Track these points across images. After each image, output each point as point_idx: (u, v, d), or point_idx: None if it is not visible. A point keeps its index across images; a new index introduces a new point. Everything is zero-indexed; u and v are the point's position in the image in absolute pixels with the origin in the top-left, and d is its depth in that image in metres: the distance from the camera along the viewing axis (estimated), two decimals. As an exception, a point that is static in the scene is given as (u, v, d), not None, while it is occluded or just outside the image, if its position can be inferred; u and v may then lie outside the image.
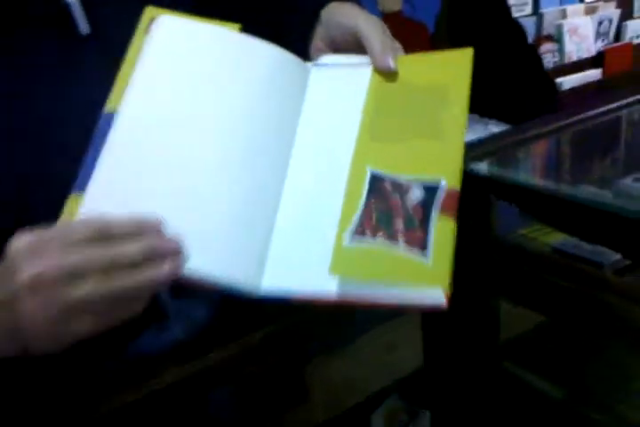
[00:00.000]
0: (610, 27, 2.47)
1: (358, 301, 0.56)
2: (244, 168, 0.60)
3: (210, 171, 0.59)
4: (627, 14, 2.49)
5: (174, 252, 0.50)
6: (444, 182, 0.59)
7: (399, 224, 0.58)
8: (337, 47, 0.67)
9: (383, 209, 0.59)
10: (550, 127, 0.83)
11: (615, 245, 0.84)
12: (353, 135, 0.64)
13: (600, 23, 2.44)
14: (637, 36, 2.50)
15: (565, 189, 0.94)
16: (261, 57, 0.64)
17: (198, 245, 0.53)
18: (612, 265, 0.85)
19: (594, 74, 2.38)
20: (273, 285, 0.57)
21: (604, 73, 2.37)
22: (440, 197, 0.58)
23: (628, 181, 1.13)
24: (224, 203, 0.58)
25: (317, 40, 0.69)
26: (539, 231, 0.98)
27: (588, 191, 1.03)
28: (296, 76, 0.67)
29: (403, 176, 0.60)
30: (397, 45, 0.65)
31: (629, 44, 2.40)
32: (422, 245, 0.56)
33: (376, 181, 0.61)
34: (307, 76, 0.67)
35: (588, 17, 2.40)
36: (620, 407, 0.69)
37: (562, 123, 0.83)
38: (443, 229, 0.57)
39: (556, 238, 0.96)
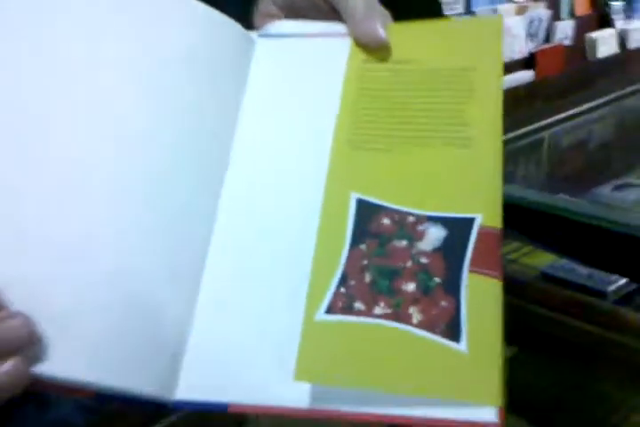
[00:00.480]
0: (539, 27, 2.37)
1: (344, 414, 0.34)
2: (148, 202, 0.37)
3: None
4: (556, 15, 2.41)
5: (23, 343, 0.31)
6: (479, 219, 0.38)
7: (409, 287, 0.37)
8: (297, 13, 0.46)
9: (381, 262, 0.38)
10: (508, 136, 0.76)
11: (617, 266, 0.69)
12: (324, 142, 0.42)
13: (530, 23, 2.34)
14: (566, 38, 2.42)
15: (544, 198, 0.79)
16: (180, 15, 0.42)
17: (62, 332, 0.32)
18: (616, 293, 0.68)
19: (526, 75, 2.27)
20: (193, 392, 0.35)
21: (536, 75, 2.26)
22: (473, 243, 0.37)
23: (606, 191, 0.98)
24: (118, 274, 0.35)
25: (266, 3, 0.47)
26: (519, 252, 0.80)
27: (564, 200, 0.89)
28: (235, 51, 0.44)
29: (408, 208, 0.39)
30: (386, 12, 0.44)
31: (561, 46, 2.31)
32: (451, 322, 0.35)
33: (366, 212, 0.39)
34: (250, 53, 0.45)
35: (519, 17, 2.30)
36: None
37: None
38: (481, 293, 0.36)
39: (543, 260, 0.78)
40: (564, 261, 0.73)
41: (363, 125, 0.42)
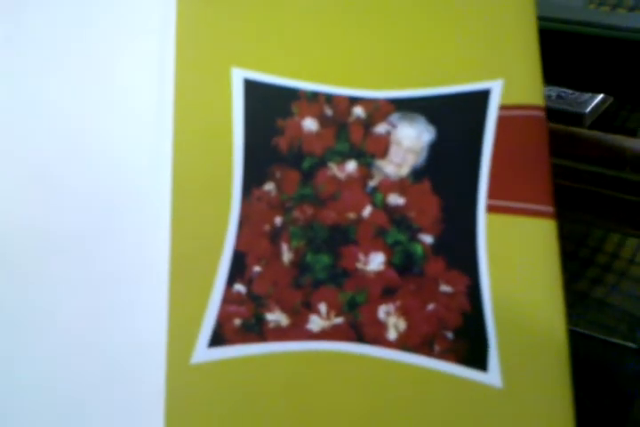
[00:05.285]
0: None
1: None
2: None
3: None
4: None
5: None
6: (497, 90, 0.17)
7: (373, 263, 0.17)
8: None
9: (310, 216, 0.17)
10: None
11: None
12: None
13: None
14: None
15: None
16: None
17: None
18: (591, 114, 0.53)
19: None
20: None
21: None
22: (490, 144, 0.17)
23: None
24: None
25: None
26: None
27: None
28: None
29: (349, 88, 0.18)
30: None
31: None
32: (462, 328, 0.17)
33: (266, 107, 0.18)
34: None
35: None
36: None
37: None
38: (521, 256, 0.17)
39: None
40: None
41: None
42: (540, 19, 0.20)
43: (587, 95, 0.52)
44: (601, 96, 0.51)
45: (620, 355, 0.41)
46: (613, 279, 0.46)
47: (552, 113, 0.50)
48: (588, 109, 0.51)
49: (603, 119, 0.51)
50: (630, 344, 0.41)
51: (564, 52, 0.51)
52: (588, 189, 0.43)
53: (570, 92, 0.52)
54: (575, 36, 0.52)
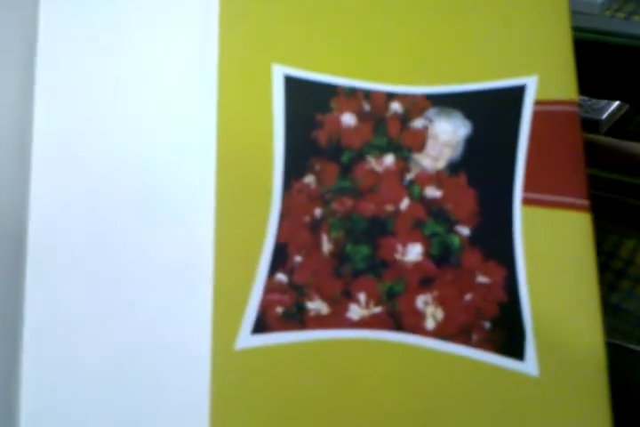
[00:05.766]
0: None
1: None
2: None
3: None
4: None
5: None
6: (532, 87, 0.18)
7: (410, 254, 0.18)
8: None
9: (349, 209, 0.18)
10: None
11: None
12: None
13: None
14: None
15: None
16: None
17: None
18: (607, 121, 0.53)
19: None
20: None
21: None
22: (525, 139, 0.18)
23: None
24: None
25: None
26: None
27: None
28: None
29: (388, 84, 0.19)
30: None
31: None
32: (500, 318, 0.17)
33: (306, 103, 0.19)
34: None
35: None
36: None
37: None
38: (556, 248, 0.17)
39: None
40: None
41: None
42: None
43: (603, 102, 0.52)
44: (617, 103, 0.52)
45: (635, 360, 0.41)
46: (628, 285, 0.46)
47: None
48: (604, 116, 0.51)
49: (619, 126, 0.52)
50: (646, 349, 0.41)
51: (579, 59, 0.51)
52: (603, 195, 0.43)
53: (586, 99, 0.53)
54: (590, 44, 0.53)
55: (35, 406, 0.18)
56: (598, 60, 0.53)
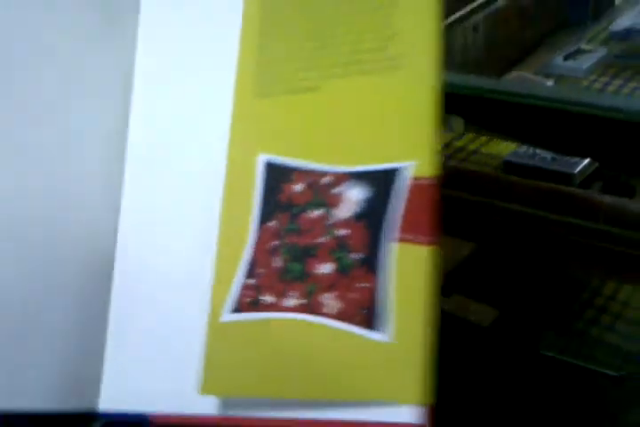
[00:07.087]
0: None
1: (257, 421, 0.30)
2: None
3: None
4: None
5: None
6: (409, 169, 0.31)
7: (324, 268, 0.31)
8: None
9: (293, 240, 0.32)
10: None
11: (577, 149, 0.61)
12: (225, 95, 0.34)
13: None
14: None
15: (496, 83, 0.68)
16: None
17: None
18: (581, 174, 0.62)
19: None
20: (115, 403, 0.31)
21: None
22: (402, 201, 0.30)
23: (558, 61, 0.87)
24: None
25: None
26: (476, 142, 0.71)
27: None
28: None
29: (326, 165, 0.32)
30: None
31: None
32: (371, 307, 0.30)
33: (276, 178, 0.33)
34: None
35: None
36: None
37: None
38: (409, 267, 0.30)
39: (502, 150, 0.71)
40: (524, 149, 0.66)
41: (267, 68, 0.33)
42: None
43: (576, 159, 0.61)
44: (587, 160, 0.60)
45: (609, 383, 0.49)
46: (609, 320, 0.53)
47: (545, 172, 0.60)
48: (577, 170, 0.60)
49: (589, 179, 0.61)
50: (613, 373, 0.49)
51: (553, 124, 0.60)
52: (587, 242, 0.52)
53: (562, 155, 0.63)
54: (560, 112, 0.61)
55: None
56: (572, 125, 0.61)
